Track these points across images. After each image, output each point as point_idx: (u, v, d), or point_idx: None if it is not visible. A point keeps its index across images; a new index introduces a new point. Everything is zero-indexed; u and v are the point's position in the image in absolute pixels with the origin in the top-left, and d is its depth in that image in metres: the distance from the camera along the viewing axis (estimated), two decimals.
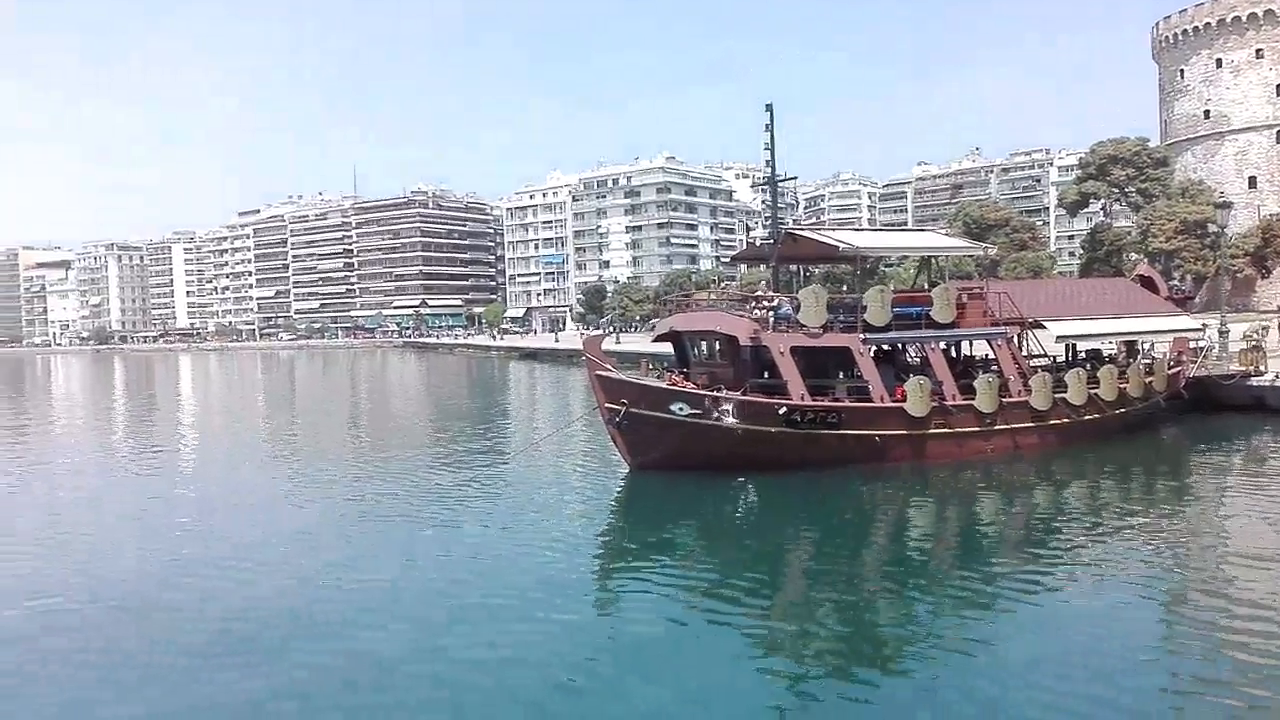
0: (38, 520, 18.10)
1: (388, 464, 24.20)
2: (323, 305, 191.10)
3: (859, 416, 20.24)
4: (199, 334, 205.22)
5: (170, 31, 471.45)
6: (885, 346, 22.65)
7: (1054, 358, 25.83)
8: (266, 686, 9.41)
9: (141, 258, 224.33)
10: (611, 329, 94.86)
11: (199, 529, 16.90)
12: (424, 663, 9.91)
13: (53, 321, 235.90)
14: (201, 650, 10.41)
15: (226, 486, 21.96)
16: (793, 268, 30.07)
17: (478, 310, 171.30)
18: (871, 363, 20.82)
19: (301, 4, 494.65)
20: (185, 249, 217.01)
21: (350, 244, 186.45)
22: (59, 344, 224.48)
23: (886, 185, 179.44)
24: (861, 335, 20.78)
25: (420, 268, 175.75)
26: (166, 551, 15.12)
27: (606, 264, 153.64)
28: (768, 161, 24.09)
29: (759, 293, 23.72)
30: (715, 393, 20.10)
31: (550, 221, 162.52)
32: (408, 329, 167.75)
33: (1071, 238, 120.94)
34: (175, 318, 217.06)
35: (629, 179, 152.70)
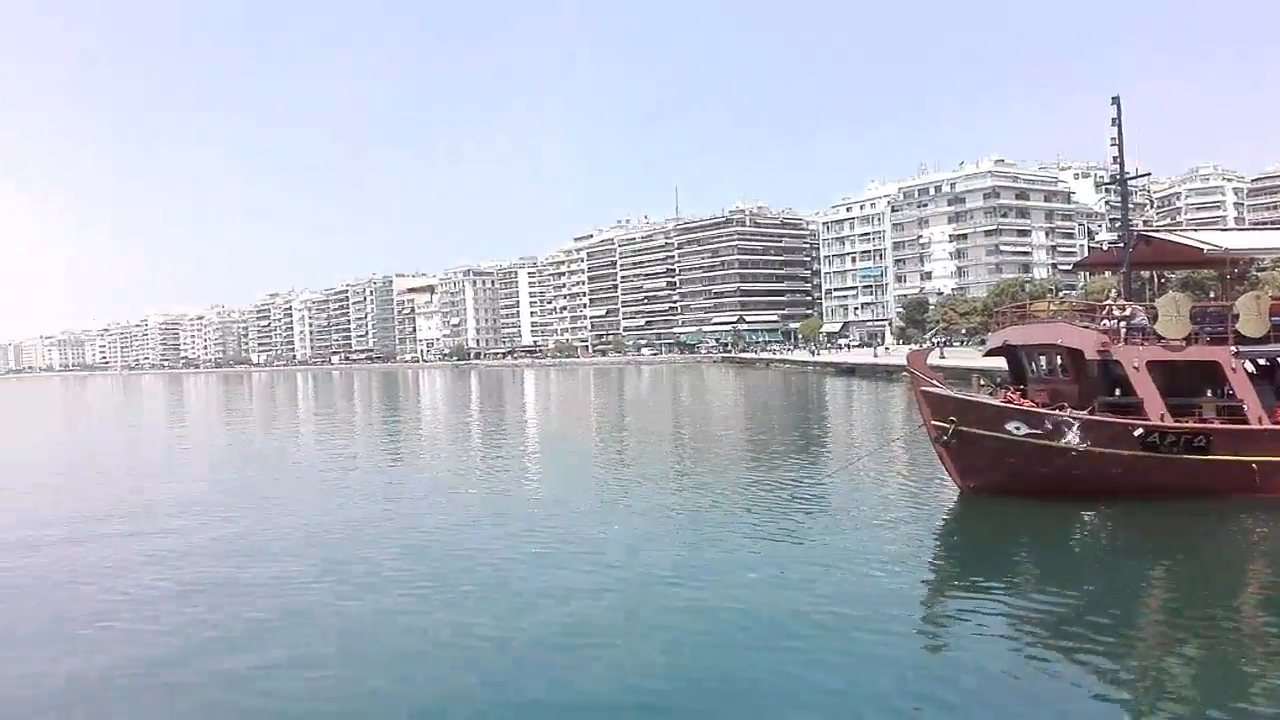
0: (415, 507, 20.56)
1: (707, 476, 24.82)
2: (648, 322, 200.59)
3: (1231, 440, 17.75)
4: (540, 351, 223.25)
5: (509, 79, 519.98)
6: (1262, 361, 19.72)
7: None
8: (616, 688, 9.97)
9: (493, 282, 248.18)
10: (936, 343, 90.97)
11: (544, 529, 18.25)
12: (745, 681, 10.01)
13: (420, 340, 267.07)
14: (554, 644, 11.27)
15: (564, 490, 23.48)
16: (1144, 274, 27.13)
17: (794, 325, 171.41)
18: (1246, 379, 18.23)
19: (617, 40, 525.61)
20: (529, 273, 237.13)
21: (672, 264, 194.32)
22: (425, 360, 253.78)
23: (1257, 179, 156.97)
24: (1233, 348, 18.25)
25: (738, 285, 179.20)
26: (513, 547, 16.53)
27: (928, 275, 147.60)
28: (1115, 159, 21.82)
29: (1107, 302, 21.56)
30: (1057, 411, 18.57)
31: (868, 234, 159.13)
32: (726, 344, 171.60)
33: None
34: (520, 336, 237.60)
35: (953, 185, 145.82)
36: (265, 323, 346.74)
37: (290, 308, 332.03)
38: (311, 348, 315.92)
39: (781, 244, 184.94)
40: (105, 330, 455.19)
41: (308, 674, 10.62)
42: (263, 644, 11.71)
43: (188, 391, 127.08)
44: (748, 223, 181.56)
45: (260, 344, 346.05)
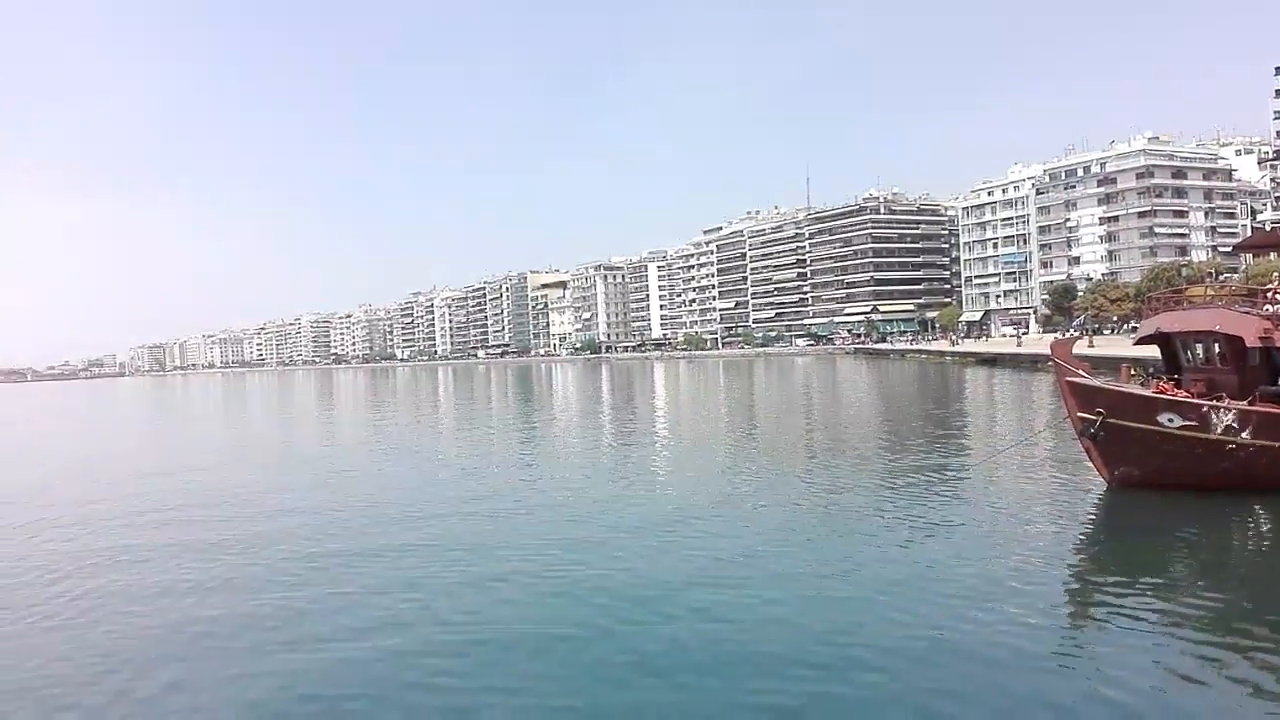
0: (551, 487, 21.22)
1: (841, 470, 24.56)
2: (778, 314, 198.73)
3: None
4: (670, 343, 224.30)
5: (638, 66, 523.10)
6: None
7: None
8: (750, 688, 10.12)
9: (623, 276, 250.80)
10: (1083, 331, 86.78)
11: (680, 522, 18.51)
12: (883, 674, 9.97)
13: (553, 335, 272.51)
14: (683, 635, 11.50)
15: (698, 482, 23.61)
16: None
17: (931, 315, 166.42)
18: None
19: (745, 29, 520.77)
20: (658, 267, 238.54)
21: (803, 254, 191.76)
22: (557, 354, 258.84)
23: None
24: None
25: (871, 274, 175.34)
26: (651, 539, 16.87)
27: (1076, 260, 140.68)
28: (1279, 133, 20.35)
29: (1271, 285, 20.23)
30: (1215, 402, 17.57)
31: (1010, 218, 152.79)
32: (859, 335, 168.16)
33: None
34: (650, 329, 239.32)
35: (1102, 165, 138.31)
36: (409, 320, 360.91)
37: (432, 305, 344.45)
38: (451, 343, 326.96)
39: (918, 231, 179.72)
40: (262, 329, 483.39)
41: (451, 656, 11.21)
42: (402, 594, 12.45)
43: (345, 385, 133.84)
44: (882, 210, 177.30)
45: (404, 340, 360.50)
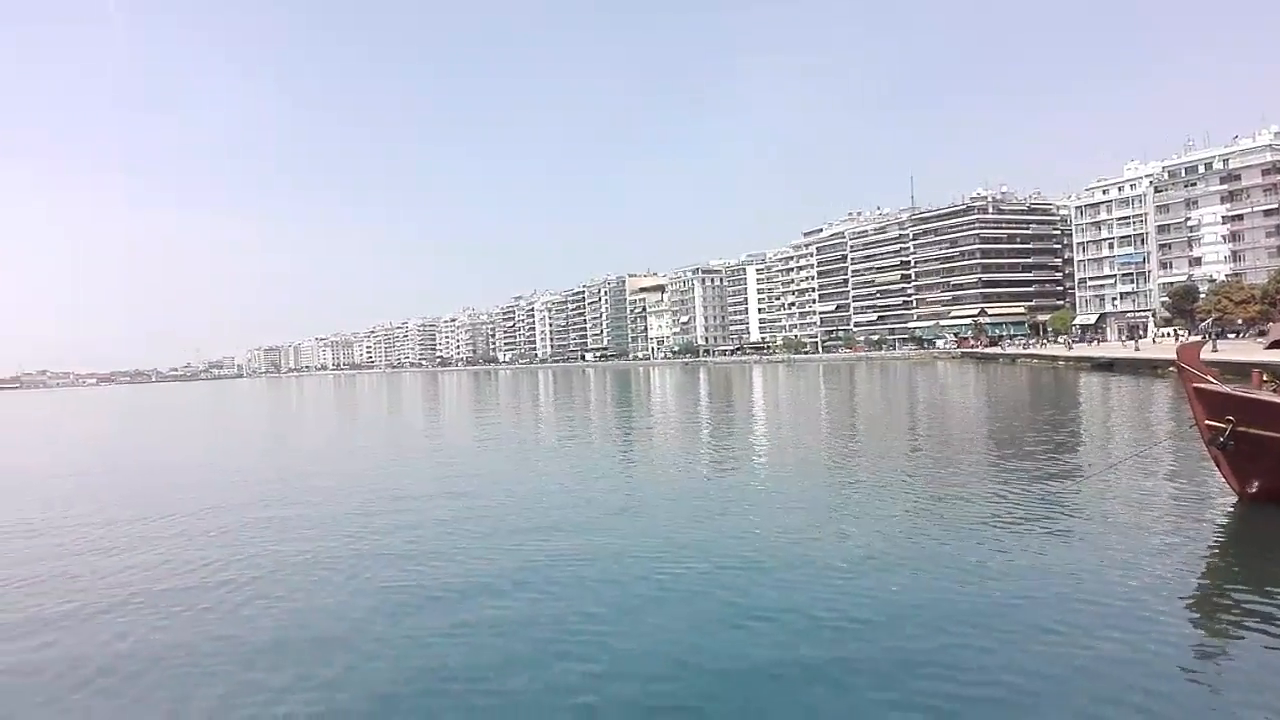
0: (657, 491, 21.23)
1: (947, 479, 23.80)
2: (880, 317, 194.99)
3: None
4: (768, 347, 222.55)
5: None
6: None
7: None
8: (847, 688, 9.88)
9: (721, 279, 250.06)
10: (1206, 335, 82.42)
11: (781, 529, 18.29)
12: (1035, 680, 9.63)
13: (650, 338, 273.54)
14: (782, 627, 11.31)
15: (799, 488, 23.35)
16: None
17: (1042, 318, 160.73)
18: None
19: (844, 25, 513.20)
20: (757, 270, 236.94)
21: (907, 255, 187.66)
22: (655, 358, 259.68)
23: None
24: None
25: (979, 276, 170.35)
26: (749, 547, 16.70)
27: (1197, 261, 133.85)
28: None
29: None
30: None
31: (1127, 217, 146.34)
32: (966, 339, 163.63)
33: None
34: (748, 332, 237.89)
35: (1225, 162, 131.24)
36: (510, 323, 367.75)
37: (533, 309, 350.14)
38: (551, 346, 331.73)
39: (1028, 231, 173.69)
40: (371, 332, 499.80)
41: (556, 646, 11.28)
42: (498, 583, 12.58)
43: (457, 386, 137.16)
44: (990, 210, 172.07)
45: (506, 343, 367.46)
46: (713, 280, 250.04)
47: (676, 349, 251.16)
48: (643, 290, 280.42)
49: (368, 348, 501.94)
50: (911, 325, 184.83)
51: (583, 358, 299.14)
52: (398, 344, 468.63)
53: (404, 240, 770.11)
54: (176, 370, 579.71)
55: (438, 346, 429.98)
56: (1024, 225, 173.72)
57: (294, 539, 19.26)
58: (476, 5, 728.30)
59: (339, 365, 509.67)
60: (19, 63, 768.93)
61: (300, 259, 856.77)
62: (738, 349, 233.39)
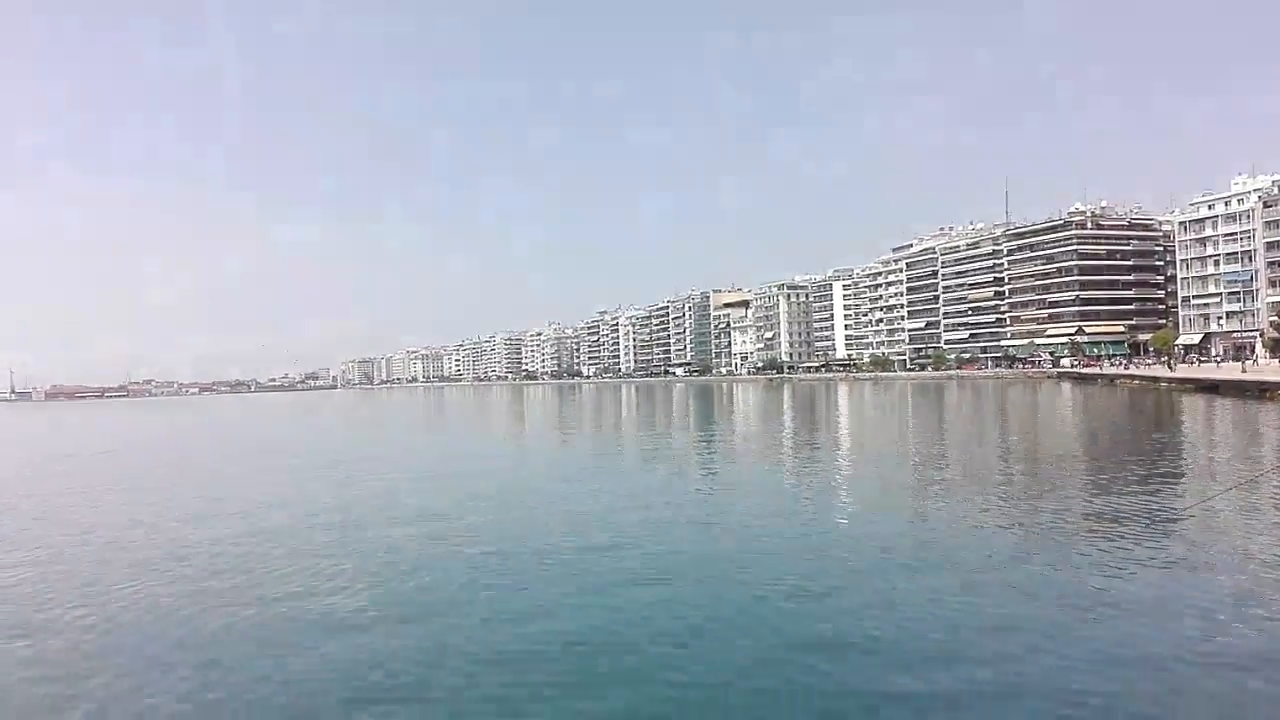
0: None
1: (1036, 506, 22.86)
2: (972, 335, 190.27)
3: None
4: (855, 364, 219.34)
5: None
6: None
7: None
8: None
9: (806, 295, 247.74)
10: None
11: (867, 554, 17.86)
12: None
13: (734, 354, 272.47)
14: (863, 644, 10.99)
15: (884, 511, 22.82)
16: None
17: (1143, 337, 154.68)
18: None
19: (940, 42, 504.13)
20: (844, 286, 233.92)
21: (1001, 272, 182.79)
22: (738, 373, 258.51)
23: None
24: None
25: (1076, 293, 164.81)
26: (832, 574, 16.33)
27: None
28: None
29: None
30: None
31: (1234, 234, 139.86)
32: (1062, 358, 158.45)
33: None
34: (834, 349, 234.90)
35: None
36: (595, 338, 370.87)
37: (617, 324, 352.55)
38: (635, 361, 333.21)
39: (1128, 247, 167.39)
40: (460, 345, 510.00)
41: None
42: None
43: (544, 400, 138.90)
44: (1089, 225, 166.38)
45: (590, 357, 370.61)
46: (798, 296, 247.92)
47: (760, 365, 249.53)
48: (727, 306, 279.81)
49: (456, 360, 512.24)
50: (1005, 343, 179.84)
51: (666, 373, 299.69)
52: (485, 357, 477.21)
53: (492, 254, 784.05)
54: (275, 380, 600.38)
55: (523, 360, 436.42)
56: (1124, 241, 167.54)
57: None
58: (558, 11, 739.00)
59: (428, 377, 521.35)
60: (140, 78, 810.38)
61: (392, 271, 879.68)
62: (823, 366, 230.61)
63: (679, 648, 12.28)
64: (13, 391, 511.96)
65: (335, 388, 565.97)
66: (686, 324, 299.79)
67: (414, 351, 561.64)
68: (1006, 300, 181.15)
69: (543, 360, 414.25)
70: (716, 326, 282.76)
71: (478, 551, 19.04)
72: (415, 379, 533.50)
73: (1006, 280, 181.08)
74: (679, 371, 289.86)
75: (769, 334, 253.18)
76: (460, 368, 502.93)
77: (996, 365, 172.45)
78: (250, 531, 22.65)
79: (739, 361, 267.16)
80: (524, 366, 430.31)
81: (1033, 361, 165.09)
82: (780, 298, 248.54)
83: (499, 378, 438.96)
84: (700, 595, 14.94)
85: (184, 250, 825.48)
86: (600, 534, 20.68)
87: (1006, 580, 15.17)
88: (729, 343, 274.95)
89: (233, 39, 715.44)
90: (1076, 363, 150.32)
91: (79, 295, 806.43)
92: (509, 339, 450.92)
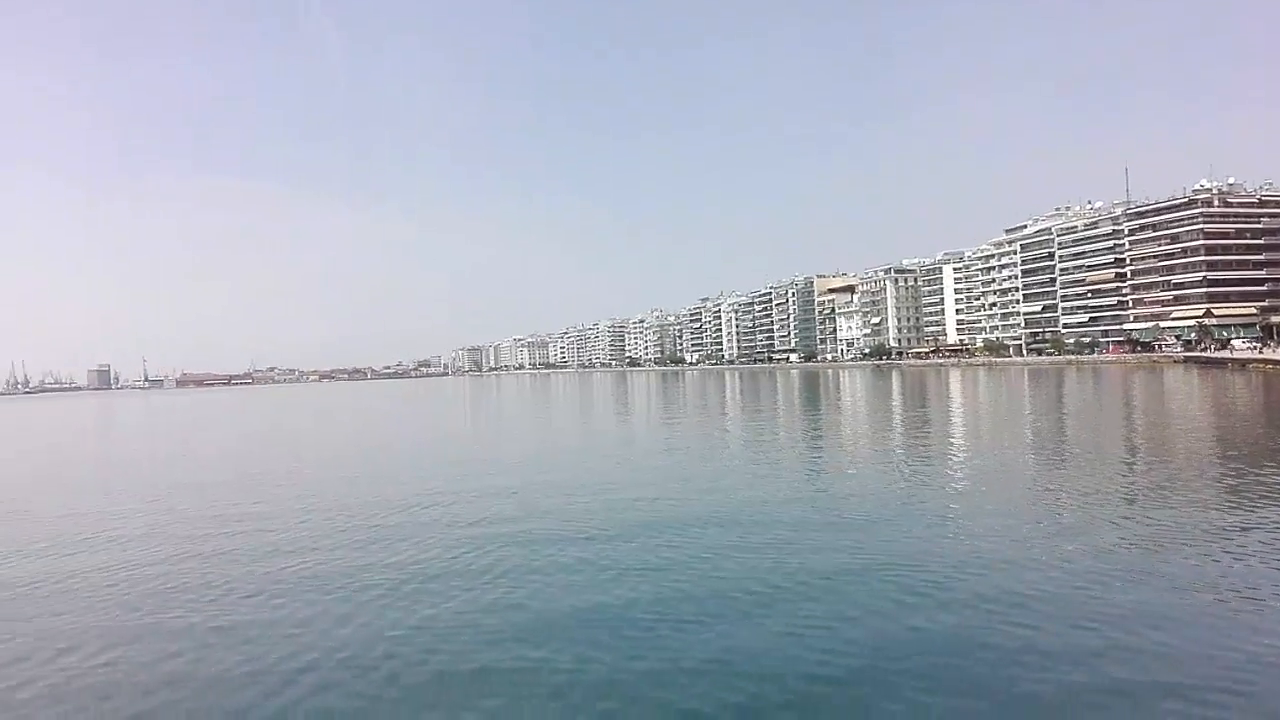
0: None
1: (1156, 508, 22.08)
2: (1092, 319, 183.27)
3: None
4: (967, 350, 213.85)
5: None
6: None
7: None
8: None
9: (915, 279, 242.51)
10: None
11: (984, 557, 18.20)
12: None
13: (840, 339, 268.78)
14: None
15: (1000, 508, 22.86)
16: None
17: (1276, 319, 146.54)
18: None
19: (1057, 15, 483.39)
20: (954, 269, 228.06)
21: (1122, 253, 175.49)
22: (844, 359, 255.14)
23: None
24: None
25: (1204, 274, 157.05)
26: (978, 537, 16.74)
27: None
28: None
29: None
30: None
31: None
32: (1189, 342, 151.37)
33: None
34: (945, 334, 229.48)
35: None
36: (697, 324, 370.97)
37: (719, 311, 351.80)
38: (738, 348, 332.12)
39: (1260, 225, 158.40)
40: (565, 333, 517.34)
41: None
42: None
43: (647, 387, 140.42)
44: (1215, 203, 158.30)
45: (693, 344, 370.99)
46: (906, 280, 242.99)
47: (867, 351, 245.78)
48: (832, 291, 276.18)
49: (561, 348, 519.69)
50: (1128, 327, 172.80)
51: (770, 360, 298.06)
52: (589, 344, 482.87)
53: (596, 243, 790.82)
54: (389, 368, 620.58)
55: (627, 347, 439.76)
56: (1254, 219, 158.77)
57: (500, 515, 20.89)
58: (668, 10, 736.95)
59: (534, 365, 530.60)
60: (251, 83, 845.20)
61: (499, 261, 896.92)
62: (933, 351, 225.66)
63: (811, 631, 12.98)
64: (146, 379, 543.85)
65: (446, 374, 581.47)
66: (790, 310, 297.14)
67: (520, 339, 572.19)
68: (1129, 282, 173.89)
69: (646, 347, 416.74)
70: (821, 312, 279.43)
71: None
72: (521, 366, 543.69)
73: (1128, 261, 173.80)
74: (792, 358, 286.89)
75: (875, 319, 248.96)
76: (565, 355, 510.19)
77: (1119, 349, 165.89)
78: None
79: (845, 347, 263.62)
80: (627, 353, 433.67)
81: (1157, 345, 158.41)
82: (887, 282, 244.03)
83: (603, 365, 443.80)
84: (839, 593, 15.55)
85: (299, 245, 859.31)
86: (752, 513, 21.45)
87: (1111, 603, 15.08)
88: (834, 328, 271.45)
89: (342, 60, 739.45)
90: (1205, 346, 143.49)
91: (207, 288, 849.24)
92: (613, 326, 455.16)
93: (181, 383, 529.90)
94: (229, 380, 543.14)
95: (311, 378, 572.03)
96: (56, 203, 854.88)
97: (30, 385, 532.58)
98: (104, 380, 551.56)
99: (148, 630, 13.98)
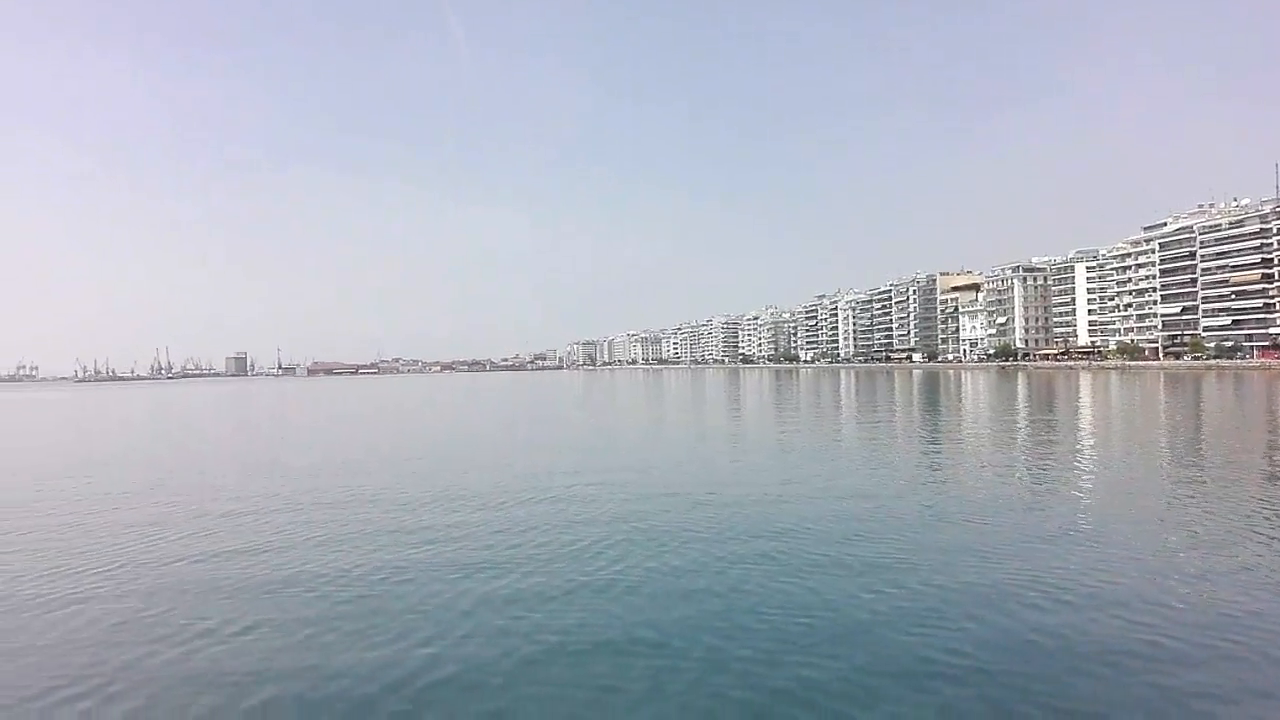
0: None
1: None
2: (1235, 321, 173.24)
3: None
4: (1099, 352, 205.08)
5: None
6: None
7: None
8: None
9: (1044, 278, 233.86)
10: None
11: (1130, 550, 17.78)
12: None
13: (962, 339, 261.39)
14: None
15: (1130, 527, 22.24)
16: None
17: None
18: None
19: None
20: (1087, 268, 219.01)
21: (1270, 253, 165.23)
22: (967, 360, 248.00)
23: None
24: None
25: None
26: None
27: None
28: None
29: None
30: None
31: None
32: None
33: None
34: (1075, 335, 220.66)
35: None
36: (812, 322, 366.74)
37: (835, 308, 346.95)
38: (854, 346, 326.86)
39: None
40: (678, 329, 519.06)
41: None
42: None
43: (765, 384, 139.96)
44: None
45: (808, 342, 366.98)
46: (1035, 279, 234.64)
47: (991, 351, 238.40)
48: (955, 289, 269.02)
49: (674, 344, 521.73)
50: (1274, 331, 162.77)
51: (888, 359, 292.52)
52: (702, 340, 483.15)
53: (711, 238, 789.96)
54: (506, 360, 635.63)
55: (740, 344, 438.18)
56: None
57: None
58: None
59: (647, 360, 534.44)
60: (380, 81, 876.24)
61: (613, 257, 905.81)
62: (1062, 353, 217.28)
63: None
64: (280, 368, 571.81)
65: (561, 368, 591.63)
66: (910, 307, 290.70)
67: (634, 334, 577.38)
68: (1276, 284, 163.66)
69: (759, 344, 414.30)
70: (943, 311, 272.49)
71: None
72: (634, 361, 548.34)
73: (1276, 262, 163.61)
74: (915, 357, 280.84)
75: (1001, 319, 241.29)
76: (678, 351, 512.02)
77: (1266, 354, 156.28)
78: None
79: (967, 348, 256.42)
80: (740, 350, 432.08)
81: None
82: (1015, 280, 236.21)
83: (715, 361, 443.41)
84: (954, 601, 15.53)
85: (428, 241, 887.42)
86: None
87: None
88: (956, 327, 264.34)
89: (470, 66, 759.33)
90: None
91: (336, 281, 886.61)
92: (726, 323, 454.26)
93: (312, 371, 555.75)
94: (355, 370, 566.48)
95: (434, 368, 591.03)
96: (209, 205, 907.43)
97: (173, 370, 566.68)
98: (240, 367, 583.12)
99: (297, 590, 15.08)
